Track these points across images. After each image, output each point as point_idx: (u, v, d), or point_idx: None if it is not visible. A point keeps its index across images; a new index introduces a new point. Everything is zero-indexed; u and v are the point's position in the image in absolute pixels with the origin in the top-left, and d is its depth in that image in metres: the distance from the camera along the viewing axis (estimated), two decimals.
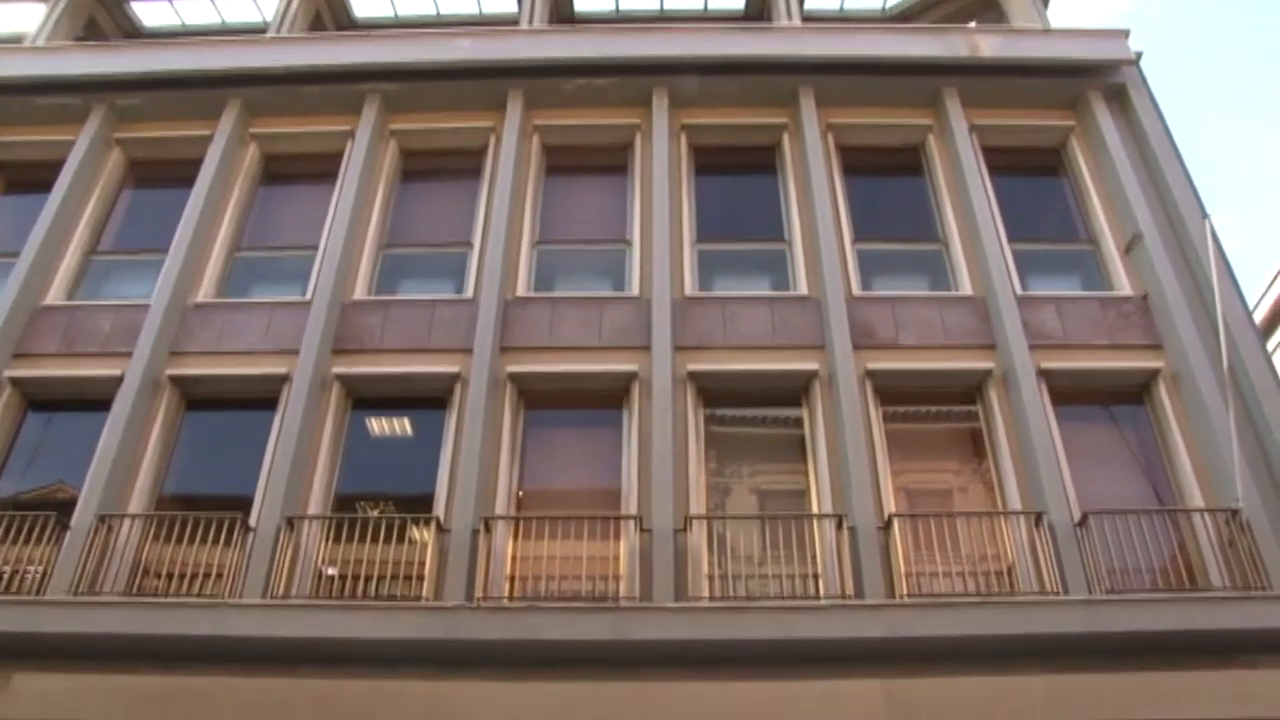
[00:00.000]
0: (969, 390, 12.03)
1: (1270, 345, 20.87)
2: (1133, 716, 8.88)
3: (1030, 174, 14.40)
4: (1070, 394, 11.81)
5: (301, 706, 9.00)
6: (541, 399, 12.08)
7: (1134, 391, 12.03)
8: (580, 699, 8.97)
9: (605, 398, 11.96)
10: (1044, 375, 11.66)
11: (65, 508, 11.10)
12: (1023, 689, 9.06)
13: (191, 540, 10.76)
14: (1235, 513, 10.53)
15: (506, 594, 10.39)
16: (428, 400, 11.95)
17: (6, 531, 10.84)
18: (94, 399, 11.96)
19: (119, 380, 11.85)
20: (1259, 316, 21.50)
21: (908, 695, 8.91)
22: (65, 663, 9.63)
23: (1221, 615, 9.85)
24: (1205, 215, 12.67)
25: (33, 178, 14.34)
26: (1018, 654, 9.60)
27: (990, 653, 9.61)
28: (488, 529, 10.58)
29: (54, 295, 13.06)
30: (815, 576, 10.49)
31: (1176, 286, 12.19)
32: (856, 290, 12.63)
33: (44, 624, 10.00)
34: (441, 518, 10.80)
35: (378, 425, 12.24)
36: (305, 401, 11.51)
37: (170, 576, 10.81)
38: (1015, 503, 11.00)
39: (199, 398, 12.26)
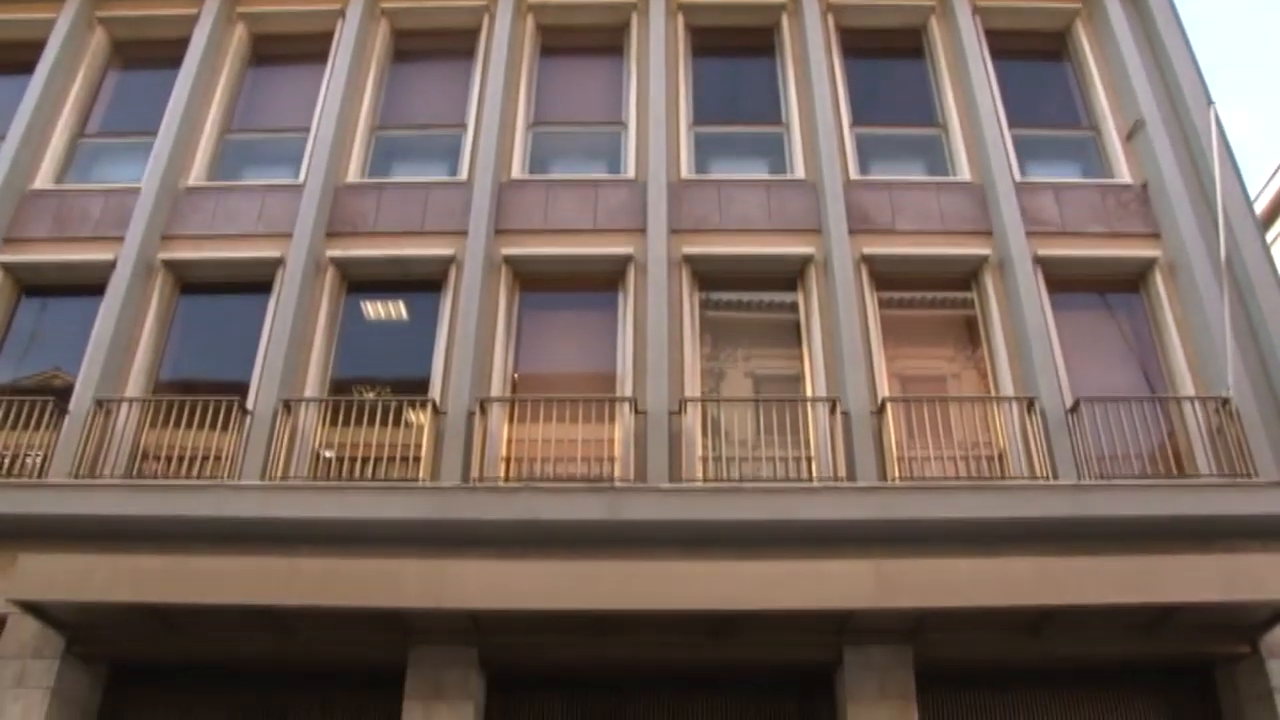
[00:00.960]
0: (965, 276, 12.01)
1: (1269, 237, 20.73)
2: (1118, 599, 9.00)
3: (1033, 58, 14.10)
4: (1066, 282, 11.80)
5: (302, 585, 9.11)
6: (536, 282, 12.05)
7: (1130, 280, 12.01)
8: (575, 578, 9.08)
9: (600, 280, 11.94)
10: (1040, 262, 11.62)
11: (63, 394, 11.15)
12: (1010, 570, 9.16)
13: (189, 424, 10.83)
14: (1225, 401, 10.61)
15: (502, 475, 10.53)
16: (423, 283, 11.93)
17: (5, 417, 10.91)
18: (87, 284, 11.92)
19: (112, 265, 11.78)
20: (1260, 208, 21.32)
21: (897, 575, 9.02)
22: (68, 544, 9.76)
23: (1207, 501, 10.02)
24: (1210, 102, 12.46)
25: (14, 58, 14.02)
26: (1006, 537, 9.79)
27: (979, 535, 9.81)
28: (483, 411, 10.66)
29: (42, 179, 12.88)
30: (808, 459, 10.63)
31: (1177, 175, 12.05)
32: (854, 174, 12.51)
33: (46, 506, 10.14)
34: (437, 400, 10.87)
35: (373, 309, 12.19)
36: (300, 285, 11.48)
37: (169, 460, 10.91)
38: (1008, 389, 11.08)
39: (193, 282, 12.21)
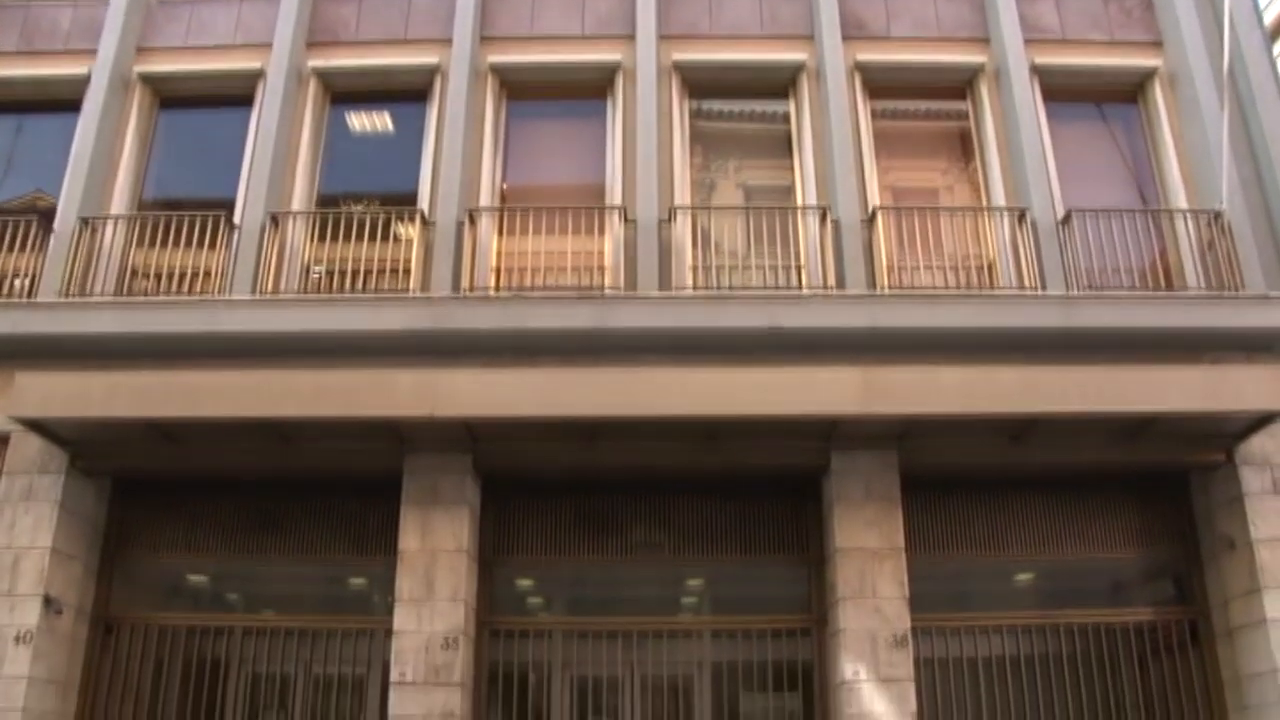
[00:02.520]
0: (960, 86, 11.77)
1: (1276, 50, 20.22)
2: (1101, 407, 9.15)
3: None
4: (1063, 92, 11.59)
5: (297, 397, 9.20)
6: (524, 91, 11.77)
7: (1128, 91, 11.80)
8: (566, 386, 9.19)
9: (589, 89, 11.68)
10: (1037, 72, 11.39)
11: (47, 215, 11.01)
12: (996, 379, 9.27)
13: (177, 241, 10.76)
14: (1218, 215, 10.59)
15: (492, 285, 10.53)
16: (408, 93, 11.66)
17: None
18: (62, 100, 11.63)
19: (86, 80, 11.48)
20: (1269, 19, 20.70)
21: (885, 382, 9.13)
22: (63, 363, 9.82)
23: (1194, 314, 10.12)
24: None
25: None
26: (994, 346, 9.91)
27: (967, 344, 9.91)
28: (472, 221, 10.59)
29: None
30: (798, 268, 10.63)
31: None
32: None
33: (38, 325, 10.19)
34: (426, 211, 10.78)
35: (358, 121, 11.93)
36: (282, 97, 11.23)
37: (159, 277, 10.88)
38: (1000, 201, 10.99)
39: (172, 96, 11.91)
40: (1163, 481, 10.42)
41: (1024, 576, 10.67)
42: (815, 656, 9.91)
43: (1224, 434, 9.80)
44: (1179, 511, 10.45)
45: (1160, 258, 10.96)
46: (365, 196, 11.28)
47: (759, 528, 10.28)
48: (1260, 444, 9.84)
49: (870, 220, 10.68)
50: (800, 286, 10.49)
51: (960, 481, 10.24)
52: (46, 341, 10.10)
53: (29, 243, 10.79)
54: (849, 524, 9.65)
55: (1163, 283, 10.80)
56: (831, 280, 10.36)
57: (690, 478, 10.18)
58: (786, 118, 11.68)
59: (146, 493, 10.47)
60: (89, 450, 9.89)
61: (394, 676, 9.25)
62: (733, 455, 9.88)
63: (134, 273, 10.88)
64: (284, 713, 10.32)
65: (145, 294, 10.75)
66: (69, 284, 10.54)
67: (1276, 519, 9.65)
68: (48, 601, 9.46)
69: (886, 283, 10.45)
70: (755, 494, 10.31)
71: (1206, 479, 10.17)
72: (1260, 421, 9.54)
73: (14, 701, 9.14)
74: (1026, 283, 10.44)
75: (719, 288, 10.53)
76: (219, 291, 10.52)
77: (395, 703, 9.17)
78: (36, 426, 9.56)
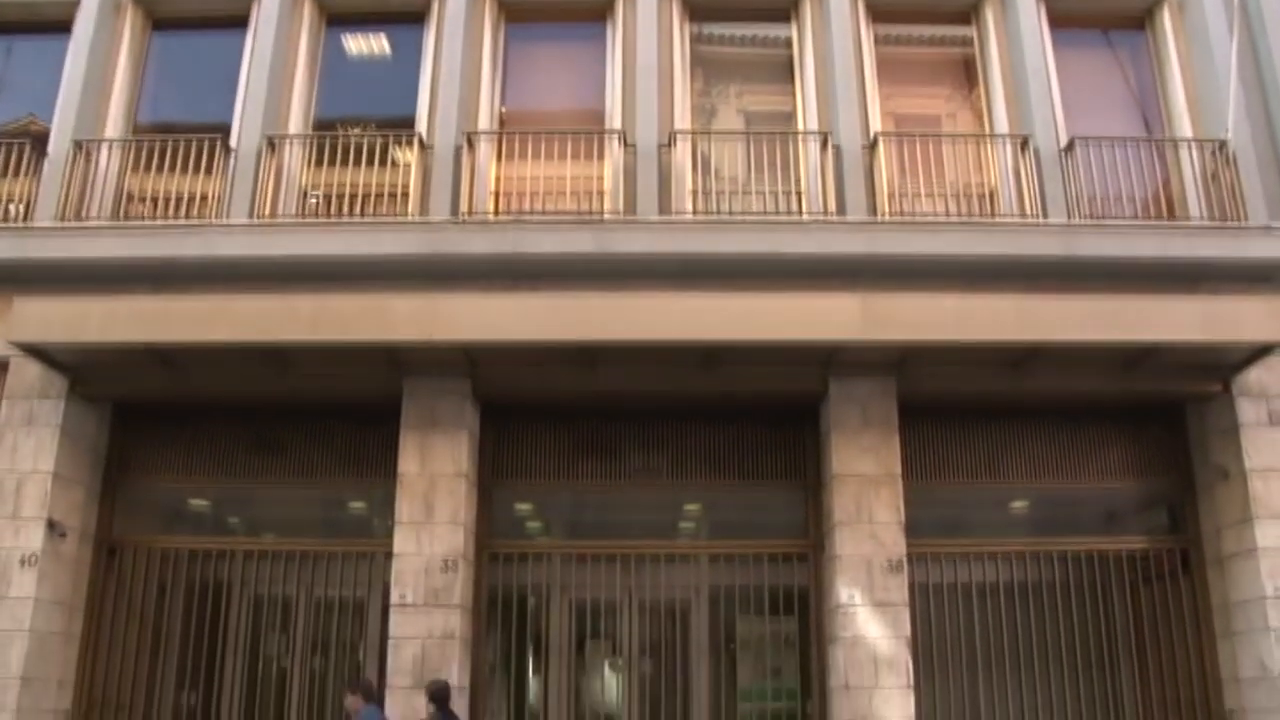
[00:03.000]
0: (964, 10, 11.58)
1: None
2: (1100, 337, 9.15)
3: None
4: (1069, 18, 11.41)
5: (295, 322, 9.17)
6: (523, 13, 11.56)
7: (1136, 17, 11.62)
8: (564, 311, 9.17)
9: (588, 11, 11.45)
10: None
11: (40, 140, 10.89)
12: (996, 307, 9.26)
13: (173, 166, 10.65)
14: (1222, 145, 10.50)
15: (491, 210, 10.45)
16: (405, 15, 11.45)
17: None
18: (53, 22, 11.44)
19: (76, 1, 11.29)
20: None
21: (884, 309, 9.10)
22: (61, 288, 9.79)
23: (1196, 245, 10.10)
24: None
25: None
26: (994, 275, 9.88)
27: (967, 272, 9.89)
28: (470, 146, 10.49)
29: None
30: (798, 194, 10.55)
31: None
32: None
33: (35, 250, 10.14)
34: (424, 135, 10.67)
35: (355, 43, 11.72)
36: (277, 18, 11.08)
37: (155, 202, 10.80)
38: (1003, 127, 10.89)
39: (165, 18, 11.71)
40: (1159, 412, 10.47)
41: (1019, 504, 10.77)
42: (811, 581, 10.02)
43: (1222, 365, 9.82)
44: (1174, 442, 10.52)
45: (1163, 187, 10.88)
46: (363, 120, 11.11)
47: (757, 453, 10.35)
48: (1257, 376, 9.87)
49: (871, 146, 10.59)
50: (800, 213, 10.39)
51: (958, 409, 10.28)
52: (43, 267, 10.07)
53: (23, 167, 10.71)
54: (846, 450, 9.71)
55: (1165, 213, 10.73)
56: (832, 206, 10.28)
57: (689, 403, 10.22)
58: (788, 42, 11.50)
59: (147, 418, 10.52)
60: (89, 375, 9.92)
61: (394, 599, 9.37)
62: (731, 381, 9.90)
63: (130, 197, 10.80)
64: (286, 635, 10.47)
65: (141, 219, 10.66)
66: (64, 209, 10.47)
67: (1271, 450, 9.71)
68: (51, 525, 9.57)
69: (887, 209, 10.38)
70: (754, 420, 10.37)
71: (1203, 410, 10.22)
72: (1258, 353, 9.59)
73: (21, 623, 9.29)
74: (1028, 211, 10.37)
75: (718, 213, 10.46)
76: (216, 216, 10.46)
77: (395, 624, 9.30)
78: (35, 352, 9.58)
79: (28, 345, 9.45)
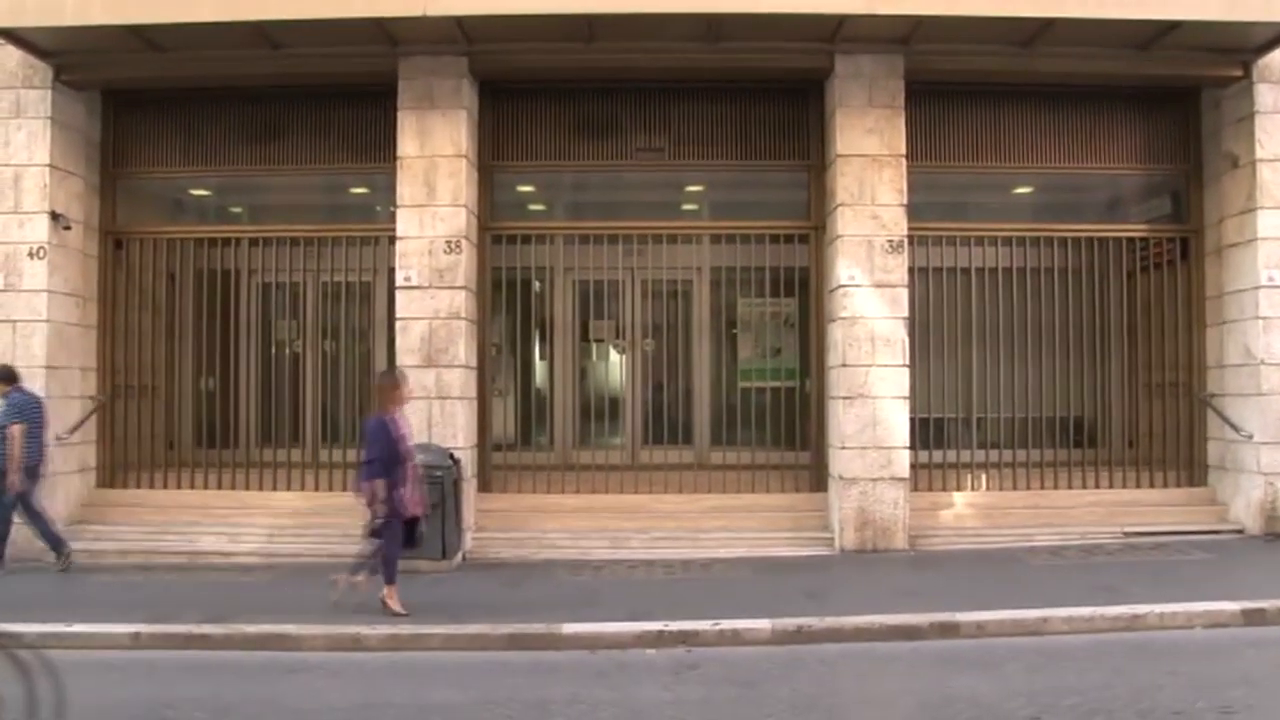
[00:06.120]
0: None
1: None
2: (1119, 14, 8.68)
3: None
4: None
5: None
6: None
7: None
8: None
9: None
10: None
11: None
12: None
13: None
14: None
15: None
16: None
17: None
18: None
19: None
20: None
21: None
22: None
23: None
24: None
25: None
26: None
27: None
28: None
29: None
30: None
31: None
32: None
33: None
34: None
35: None
36: None
37: None
38: None
39: None
40: (1172, 97, 10.27)
41: (1022, 189, 10.73)
42: (812, 261, 10.10)
43: (1243, 48, 9.50)
44: (1185, 129, 10.37)
45: None
46: None
47: (760, 132, 10.19)
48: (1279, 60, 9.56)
49: None
50: None
51: (965, 90, 10.07)
52: None
53: None
54: (850, 130, 9.55)
55: None
56: None
57: (691, 80, 10.00)
58: None
59: (140, 107, 10.35)
60: (74, 62, 9.66)
61: (399, 280, 9.46)
62: (736, 55, 9.63)
63: None
64: (296, 320, 10.69)
65: None
66: None
67: None
68: (55, 217, 9.56)
69: None
70: (756, 97, 10.16)
71: (1218, 95, 9.99)
72: None
73: (38, 313, 9.47)
74: None
75: None
76: None
77: (402, 305, 9.43)
78: (11, 36, 9.23)
79: (2, 30, 9.07)
